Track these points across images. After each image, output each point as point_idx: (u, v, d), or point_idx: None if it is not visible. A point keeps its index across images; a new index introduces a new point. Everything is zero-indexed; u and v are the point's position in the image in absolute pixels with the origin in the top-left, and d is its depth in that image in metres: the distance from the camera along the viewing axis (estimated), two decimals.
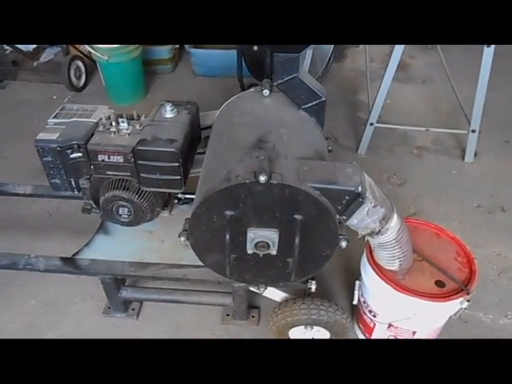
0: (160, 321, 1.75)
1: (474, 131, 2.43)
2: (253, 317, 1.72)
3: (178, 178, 1.46)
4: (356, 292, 1.55)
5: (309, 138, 1.40)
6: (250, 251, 1.27)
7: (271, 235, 1.24)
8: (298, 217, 1.19)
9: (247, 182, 1.14)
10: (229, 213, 1.20)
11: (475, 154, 2.53)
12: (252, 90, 1.62)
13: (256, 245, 1.25)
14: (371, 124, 2.52)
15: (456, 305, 1.32)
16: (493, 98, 2.88)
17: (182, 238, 1.29)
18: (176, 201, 1.74)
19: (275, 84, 1.50)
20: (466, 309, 1.35)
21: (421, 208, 2.24)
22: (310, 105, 1.48)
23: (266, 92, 1.52)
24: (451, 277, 1.33)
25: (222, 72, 3.36)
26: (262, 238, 1.24)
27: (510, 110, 2.93)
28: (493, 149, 2.61)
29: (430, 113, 2.97)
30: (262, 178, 1.11)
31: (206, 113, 1.80)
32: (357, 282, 1.54)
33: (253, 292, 1.56)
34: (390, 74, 2.32)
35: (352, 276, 1.59)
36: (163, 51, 3.47)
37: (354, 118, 2.95)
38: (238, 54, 2.69)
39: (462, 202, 2.28)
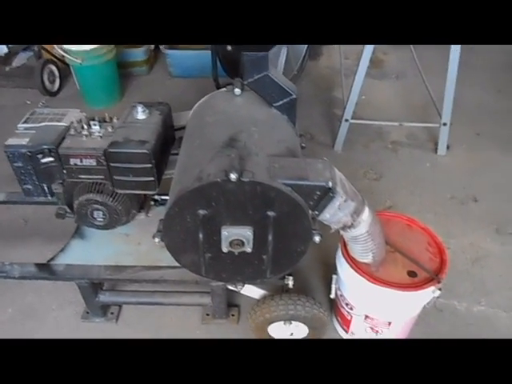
0: (140, 324, 1.74)
1: (445, 124, 2.48)
2: (233, 315, 1.72)
3: (152, 179, 1.46)
4: (333, 286, 1.58)
5: (280, 135, 1.42)
6: (225, 249, 1.28)
7: (245, 233, 1.24)
8: (270, 213, 1.20)
9: (218, 180, 1.14)
10: (202, 212, 1.21)
11: (448, 147, 2.59)
12: (224, 89, 1.62)
13: (231, 243, 1.26)
14: (346, 120, 2.56)
15: (428, 294, 1.35)
16: (464, 92, 2.96)
17: (157, 239, 1.29)
18: (152, 202, 1.73)
19: (246, 83, 1.51)
20: (438, 297, 1.39)
21: (396, 201, 2.28)
22: (281, 102, 1.49)
23: (238, 91, 1.53)
24: (422, 267, 1.37)
25: (199, 72, 3.36)
26: (237, 235, 1.25)
27: (481, 104, 3.01)
28: (465, 141, 2.68)
29: (403, 108, 3.02)
30: (233, 176, 1.12)
31: (179, 113, 1.80)
32: (333, 276, 1.56)
33: (231, 290, 1.56)
34: (363, 71, 2.36)
35: (329, 270, 1.61)
36: (138, 53, 3.45)
37: (329, 115, 2.98)
38: (213, 54, 2.69)
39: (436, 193, 2.33)
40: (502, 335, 1.69)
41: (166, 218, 1.25)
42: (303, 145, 1.60)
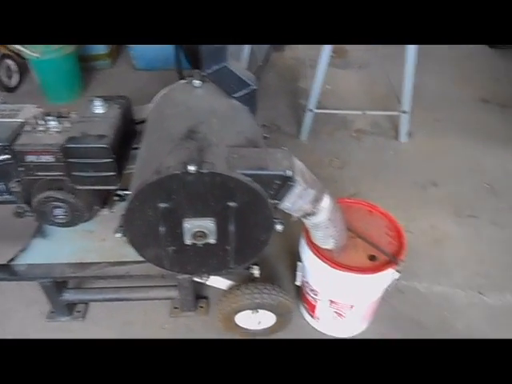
0: (107, 320, 1.72)
1: (405, 112, 2.55)
2: (201, 307, 1.73)
3: (113, 174, 1.43)
4: (298, 273, 1.61)
5: (241, 126, 1.42)
6: (188, 242, 1.28)
7: (207, 224, 1.25)
8: (232, 204, 1.21)
9: (177, 172, 1.14)
10: (163, 205, 1.21)
11: (409, 134, 2.67)
12: (183, 81, 1.61)
13: (193, 235, 1.26)
14: (310, 110, 2.59)
15: (388, 276, 1.40)
16: (425, 80, 3.05)
17: (118, 235, 1.28)
18: (116, 198, 1.71)
19: (205, 74, 1.50)
20: (398, 279, 1.44)
21: (360, 188, 2.34)
22: (241, 93, 1.50)
23: (197, 83, 1.52)
24: (382, 250, 1.41)
25: (163, 64, 3.31)
26: (199, 227, 1.26)
27: (440, 91, 3.11)
28: (425, 128, 2.76)
29: (367, 96, 3.08)
30: (192, 168, 1.12)
31: (140, 107, 1.77)
32: (298, 264, 1.59)
33: (198, 282, 1.57)
34: (324, 61, 2.39)
35: (296, 258, 1.64)
36: (100, 46, 3.36)
37: (295, 105, 3.00)
38: (176, 46, 2.66)
39: (398, 179, 2.40)
40: (460, 313, 1.77)
41: (127, 213, 1.24)
42: (266, 135, 1.61)
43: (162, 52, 3.25)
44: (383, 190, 2.34)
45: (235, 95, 1.49)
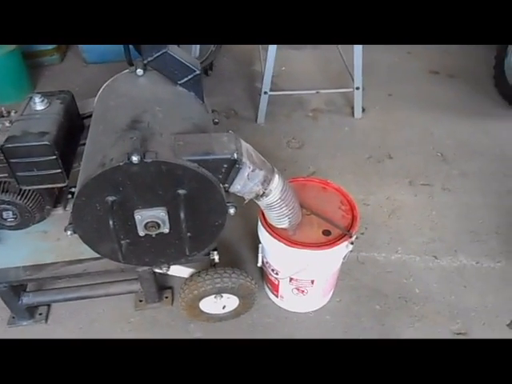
0: (72, 320, 1.70)
1: (357, 88, 2.59)
2: (166, 297, 1.73)
3: (59, 171, 1.39)
4: (259, 255, 1.63)
5: (186, 112, 1.41)
6: (141, 233, 1.27)
7: (159, 214, 1.24)
8: (181, 191, 1.21)
9: (121, 164, 1.12)
10: (111, 198, 1.19)
11: (363, 110, 2.72)
12: (126, 71, 1.57)
13: (146, 226, 1.25)
14: (265, 93, 2.59)
15: (342, 249, 1.44)
16: (376, 57, 3.10)
17: (69, 232, 1.25)
18: (70, 196, 1.67)
19: (146, 62, 1.47)
20: (351, 251, 1.48)
21: (319, 166, 2.37)
22: (185, 79, 1.48)
23: (140, 71, 1.50)
24: (335, 224, 1.45)
25: (115, 56, 3.20)
26: (151, 218, 1.25)
27: (392, 66, 3.17)
28: (378, 103, 2.82)
29: (322, 76, 3.11)
30: (135, 158, 1.10)
31: (85, 100, 1.73)
32: (259, 245, 1.61)
33: (160, 273, 1.56)
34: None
35: (258, 241, 1.66)
36: None
37: (251, 89, 2.99)
38: None
39: (355, 155, 2.45)
40: (418, 278, 1.85)
41: (74, 209, 1.22)
42: (216, 120, 1.60)
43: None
44: (341, 166, 2.38)
45: (179, 82, 1.47)
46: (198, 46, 2.85)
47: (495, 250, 1.96)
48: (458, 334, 1.67)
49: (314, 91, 2.74)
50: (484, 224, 2.06)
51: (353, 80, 2.60)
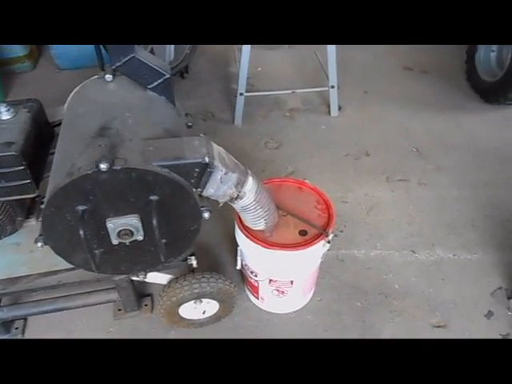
0: (49, 333, 1.66)
1: (333, 87, 2.60)
2: (146, 305, 1.71)
3: (28, 181, 1.36)
4: (238, 257, 1.62)
5: (157, 117, 1.39)
6: (115, 242, 1.25)
7: (132, 221, 1.22)
8: (153, 198, 1.19)
9: (90, 172, 1.10)
10: (81, 207, 1.16)
11: (339, 108, 2.73)
12: (95, 76, 1.55)
13: (119, 234, 1.23)
14: (241, 94, 2.58)
15: (319, 248, 1.44)
16: (350, 54, 3.13)
17: (39, 244, 1.22)
18: (43, 206, 1.63)
19: (114, 67, 1.45)
20: (329, 250, 1.49)
21: (297, 166, 2.38)
22: (155, 84, 1.46)
23: (109, 77, 1.47)
24: (312, 224, 1.45)
25: (88, 62, 3.15)
26: (123, 226, 1.23)
27: (366, 64, 3.19)
28: (354, 100, 2.84)
29: (298, 75, 3.11)
30: (103, 166, 1.09)
31: (55, 108, 1.69)
32: (238, 248, 1.60)
33: (138, 281, 1.54)
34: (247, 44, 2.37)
35: (236, 243, 1.65)
36: (17, 48, 3.15)
37: (227, 91, 2.98)
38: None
39: (332, 153, 2.46)
40: (397, 273, 1.86)
41: (44, 220, 1.19)
42: (190, 124, 1.59)
43: (86, 49, 3.10)
44: (319, 164, 2.39)
45: (149, 86, 1.46)
46: (173, 48, 2.83)
47: (472, 241, 1.99)
48: (437, 326, 1.70)
49: (289, 91, 2.75)
50: (460, 217, 2.10)
51: (328, 78, 2.61)
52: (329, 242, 1.43)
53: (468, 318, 1.72)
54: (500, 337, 1.67)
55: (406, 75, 3.08)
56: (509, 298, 1.77)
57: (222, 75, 3.16)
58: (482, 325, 1.70)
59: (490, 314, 1.73)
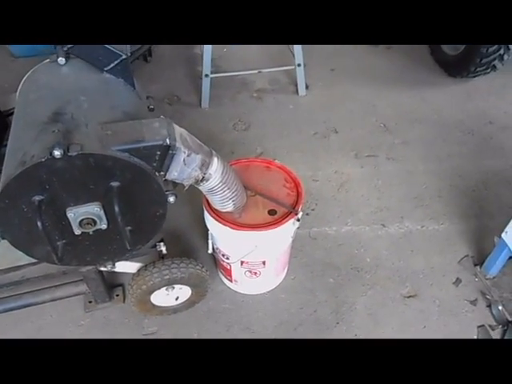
0: (16, 330, 1.60)
1: (299, 65, 2.57)
2: (117, 295, 1.67)
3: None
4: (209, 241, 1.60)
5: (115, 100, 1.33)
6: (77, 232, 1.21)
7: (93, 210, 1.18)
8: (114, 184, 1.15)
9: (43, 160, 1.05)
10: (37, 198, 1.11)
11: (307, 87, 2.71)
12: (47, 60, 1.47)
13: (81, 223, 1.19)
14: (206, 75, 2.52)
15: (289, 226, 1.44)
16: None
17: None
18: None
19: (66, 49, 1.38)
20: (299, 228, 1.48)
21: (266, 147, 2.36)
22: (112, 65, 1.40)
23: (62, 60, 1.40)
24: (280, 203, 1.44)
25: (45, 49, 2.97)
26: (85, 215, 1.18)
27: None
28: (321, 79, 2.82)
29: (264, 55, 3.05)
30: (57, 153, 1.03)
31: (8, 96, 1.61)
32: (209, 232, 1.58)
33: (106, 272, 1.50)
34: None
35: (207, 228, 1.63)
36: None
37: (193, 73, 2.91)
38: None
39: (301, 132, 2.45)
40: (368, 247, 1.89)
41: None
42: (151, 106, 1.53)
43: None
44: (288, 144, 2.38)
45: (106, 68, 1.39)
46: None
47: (439, 212, 2.04)
48: (407, 297, 1.74)
49: (256, 71, 2.70)
50: (427, 189, 2.14)
51: (294, 57, 2.58)
52: (298, 220, 1.43)
53: (437, 287, 1.77)
54: (468, 303, 1.72)
55: (371, 51, 3.07)
56: (475, 265, 1.82)
57: (187, 57, 3.07)
58: (451, 292, 1.76)
59: (458, 282, 1.79)
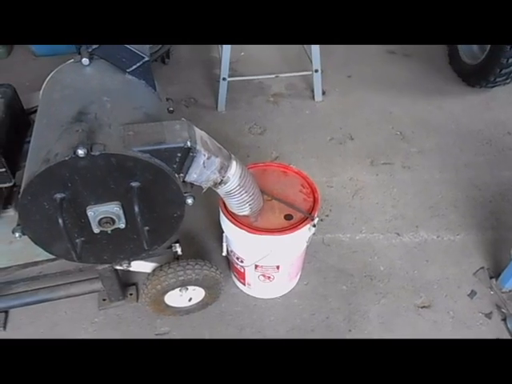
0: (32, 325, 1.63)
1: (316, 71, 2.58)
2: (131, 294, 1.69)
3: (3, 170, 1.32)
4: (224, 244, 1.61)
5: (137, 101, 1.35)
6: (96, 230, 1.22)
7: (113, 209, 1.19)
8: (134, 184, 1.16)
9: (67, 158, 1.07)
10: (59, 195, 1.13)
11: (323, 93, 2.71)
12: (71, 60, 1.49)
13: (100, 222, 1.20)
14: (224, 79, 2.54)
15: (305, 232, 1.44)
16: None
17: (17, 234, 1.19)
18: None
19: (90, 50, 1.40)
20: (315, 234, 1.48)
21: (282, 151, 2.36)
22: (134, 67, 1.42)
23: (86, 61, 1.42)
24: (297, 208, 1.44)
25: (66, 48, 3.04)
26: (104, 213, 1.20)
27: (350, 47, 3.16)
28: (338, 85, 2.82)
29: (281, 59, 3.07)
30: (81, 152, 1.05)
31: (31, 94, 1.63)
32: (224, 234, 1.58)
33: (122, 270, 1.51)
34: None
35: (222, 230, 1.63)
36: None
37: (210, 76, 2.93)
38: None
39: (317, 138, 2.45)
40: (382, 256, 1.88)
41: (21, 209, 1.15)
42: (171, 108, 1.55)
43: None
44: (304, 149, 2.38)
45: (128, 70, 1.41)
46: None
47: (454, 223, 2.02)
48: (421, 307, 1.72)
49: (273, 75, 2.71)
50: (443, 199, 2.12)
51: (311, 63, 2.58)
52: (314, 226, 1.43)
53: (452, 298, 1.75)
54: (482, 316, 1.70)
55: (389, 59, 3.07)
56: (491, 278, 1.80)
57: (205, 60, 3.09)
58: (466, 304, 1.73)
59: (473, 294, 1.77)
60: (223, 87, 2.58)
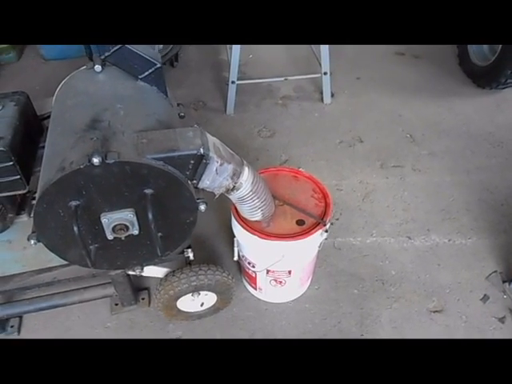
0: (46, 330, 1.64)
1: (325, 73, 2.58)
2: (143, 299, 1.70)
3: (17, 177, 1.33)
4: (235, 248, 1.61)
5: (149, 108, 1.36)
6: (110, 237, 1.23)
7: (127, 216, 1.20)
8: (148, 191, 1.17)
9: (82, 167, 1.07)
10: (74, 203, 1.14)
11: (332, 95, 2.71)
12: (84, 67, 1.50)
13: (114, 229, 1.21)
14: (233, 82, 2.54)
15: (317, 237, 1.43)
16: None
17: (32, 241, 1.20)
18: (34, 202, 1.60)
19: (103, 57, 1.41)
20: (326, 238, 1.48)
21: (291, 154, 2.36)
22: (146, 74, 1.42)
23: (98, 67, 1.43)
24: (309, 213, 1.44)
25: (75, 52, 3.08)
26: (118, 220, 1.20)
27: (358, 50, 3.16)
28: (347, 87, 2.82)
29: (289, 62, 3.07)
30: (96, 160, 1.06)
31: (44, 100, 1.65)
32: (235, 239, 1.59)
33: (134, 275, 1.52)
34: None
35: (233, 234, 1.64)
36: None
37: (219, 79, 2.94)
38: None
39: (326, 141, 2.44)
40: (393, 260, 1.87)
41: (36, 217, 1.16)
42: (182, 114, 1.56)
43: None
44: (313, 152, 2.38)
45: (140, 76, 1.42)
46: None
47: (466, 226, 2.00)
48: (434, 311, 1.71)
49: (282, 78, 2.71)
50: (454, 202, 2.10)
51: (320, 65, 2.58)
52: (326, 231, 1.43)
53: (464, 303, 1.74)
54: (495, 320, 1.69)
55: (398, 60, 3.06)
56: (504, 282, 1.79)
57: (213, 63, 3.10)
58: (478, 309, 1.72)
59: (485, 298, 1.75)
60: (232, 90, 2.58)
